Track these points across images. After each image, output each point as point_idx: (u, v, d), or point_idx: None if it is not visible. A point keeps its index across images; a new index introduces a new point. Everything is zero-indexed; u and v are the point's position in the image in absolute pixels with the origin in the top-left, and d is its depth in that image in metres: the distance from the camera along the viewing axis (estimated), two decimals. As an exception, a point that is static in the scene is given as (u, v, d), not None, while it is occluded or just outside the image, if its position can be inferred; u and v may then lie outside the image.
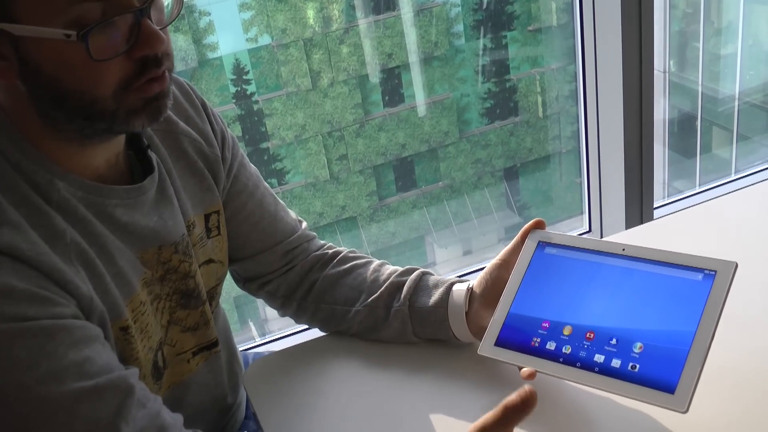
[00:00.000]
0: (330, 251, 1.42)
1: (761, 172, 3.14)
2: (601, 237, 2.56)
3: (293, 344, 1.43)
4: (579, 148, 2.57)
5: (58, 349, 0.94)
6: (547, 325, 1.11)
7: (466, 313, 1.24)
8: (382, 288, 1.32)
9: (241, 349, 1.58)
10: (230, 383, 1.37)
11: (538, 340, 1.10)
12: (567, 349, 1.08)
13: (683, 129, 4.23)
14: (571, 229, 2.74)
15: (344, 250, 1.43)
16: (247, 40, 3.38)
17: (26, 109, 1.00)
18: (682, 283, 1.06)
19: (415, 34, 3.61)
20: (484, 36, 3.78)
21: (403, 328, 1.31)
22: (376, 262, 1.39)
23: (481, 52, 3.82)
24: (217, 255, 1.29)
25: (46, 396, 0.93)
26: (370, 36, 3.53)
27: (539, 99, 3.86)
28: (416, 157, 3.91)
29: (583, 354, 1.06)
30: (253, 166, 1.38)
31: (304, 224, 1.44)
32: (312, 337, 1.43)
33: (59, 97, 0.97)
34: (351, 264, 1.39)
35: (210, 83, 3.37)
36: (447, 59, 3.73)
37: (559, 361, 1.07)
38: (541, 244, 1.19)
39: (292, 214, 1.44)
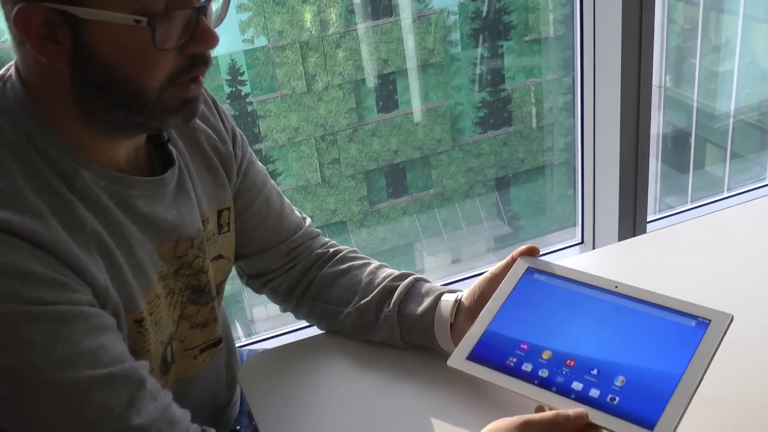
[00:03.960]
0: (331, 249, 1.44)
1: (754, 191, 3.15)
2: (593, 248, 2.56)
3: (287, 342, 1.43)
4: (574, 159, 2.57)
5: (74, 335, 0.95)
6: (525, 347, 1.11)
7: (451, 324, 1.25)
8: (375, 292, 1.34)
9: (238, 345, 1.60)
10: (228, 379, 1.39)
11: (514, 360, 1.10)
12: (544, 373, 1.08)
13: (677, 145, 4.24)
14: (562, 240, 2.74)
15: (345, 249, 1.45)
16: (243, 41, 3.36)
17: (62, 95, 1.01)
18: (674, 327, 1.07)
19: (412, 41, 3.60)
20: (481, 45, 3.78)
21: (392, 333, 1.32)
22: (374, 264, 1.41)
23: (477, 61, 3.81)
24: (226, 251, 1.31)
25: (60, 381, 0.94)
26: (366, 41, 3.52)
27: (533, 110, 3.86)
28: (408, 164, 3.90)
29: (560, 380, 1.06)
30: (260, 164, 1.40)
31: (308, 221, 1.47)
32: (307, 335, 1.43)
33: (107, 85, 0.99)
34: (349, 264, 1.40)
35: (205, 83, 3.34)
36: (442, 67, 3.72)
37: (533, 383, 1.07)
38: (530, 270, 1.19)
39: (297, 211, 1.46)
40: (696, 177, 4.23)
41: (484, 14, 3.72)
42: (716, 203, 3.08)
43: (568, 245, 2.65)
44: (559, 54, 3.66)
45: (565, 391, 1.05)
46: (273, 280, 1.44)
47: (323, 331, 1.44)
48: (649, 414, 0.98)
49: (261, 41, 3.37)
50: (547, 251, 2.59)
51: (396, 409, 1.25)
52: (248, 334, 3.05)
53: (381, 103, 3.72)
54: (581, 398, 1.03)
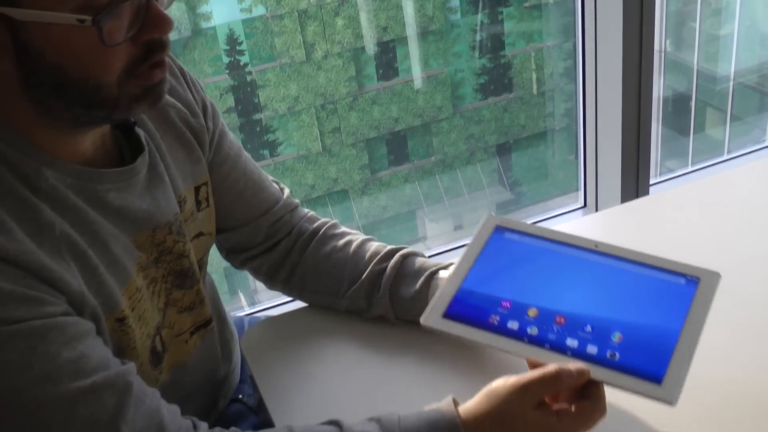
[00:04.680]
0: (311, 227, 1.39)
1: (754, 153, 3.15)
2: (596, 211, 2.56)
3: (289, 310, 1.43)
4: (576, 124, 2.57)
5: (51, 348, 0.91)
6: (508, 304, 1.06)
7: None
8: (363, 277, 1.31)
9: (237, 315, 1.58)
10: (223, 353, 1.36)
11: (498, 318, 1.05)
12: (533, 330, 1.03)
13: (677, 109, 4.24)
14: (565, 205, 2.74)
15: (324, 225, 1.39)
16: (241, 10, 3.35)
17: (15, 97, 0.95)
18: (664, 284, 1.04)
19: (411, 8, 3.59)
20: (480, 11, 3.77)
21: (386, 313, 1.31)
22: (356, 241, 1.35)
23: (476, 28, 3.80)
24: (206, 227, 1.28)
25: (41, 398, 0.90)
26: (365, 8, 3.51)
27: (534, 76, 3.85)
28: (409, 132, 3.90)
29: (552, 337, 1.02)
30: (232, 135, 1.34)
31: (286, 191, 1.40)
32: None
33: (61, 85, 0.93)
34: (330, 246, 1.36)
35: (203, 53, 3.35)
36: (442, 34, 3.71)
37: (523, 341, 1.02)
38: (500, 228, 1.14)
39: (273, 181, 1.41)
40: (696, 140, 4.23)
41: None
42: (717, 165, 3.08)
43: (571, 209, 2.65)
44: (559, 19, 3.64)
45: (559, 348, 1.00)
46: (254, 259, 1.40)
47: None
48: (653, 368, 0.96)
49: (259, 10, 3.36)
50: (549, 216, 2.60)
51: (401, 377, 1.25)
52: (252, 304, 3.05)
53: (381, 71, 3.71)
54: (578, 355, 0.99)
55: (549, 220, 2.53)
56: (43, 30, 0.89)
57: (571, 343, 1.00)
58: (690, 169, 3.11)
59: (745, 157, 3.14)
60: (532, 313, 1.04)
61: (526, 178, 4.21)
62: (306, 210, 1.43)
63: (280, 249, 1.38)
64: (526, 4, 3.78)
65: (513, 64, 3.87)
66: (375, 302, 1.30)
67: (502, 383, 0.99)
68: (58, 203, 0.98)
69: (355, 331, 1.34)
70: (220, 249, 1.43)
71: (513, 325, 1.04)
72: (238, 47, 3.43)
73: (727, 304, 1.09)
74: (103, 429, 0.93)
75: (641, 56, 2.25)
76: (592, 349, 0.99)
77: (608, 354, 0.99)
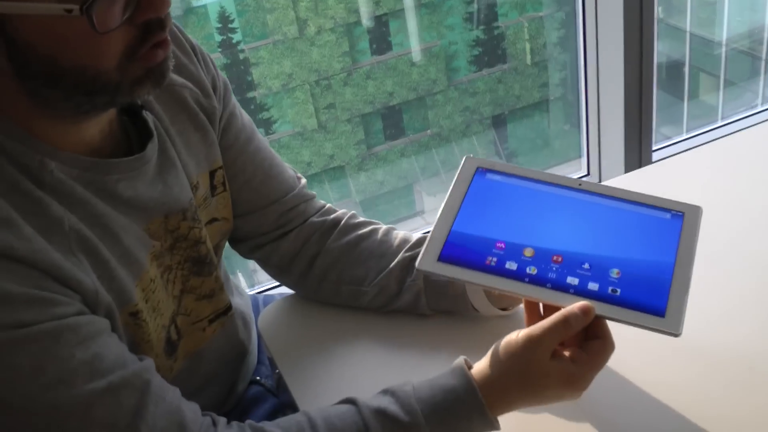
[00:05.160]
0: (330, 217, 1.33)
1: (746, 118, 3.15)
2: (600, 180, 2.56)
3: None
4: (577, 91, 2.56)
5: (63, 351, 0.88)
6: (502, 245, 1.03)
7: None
8: (393, 264, 1.26)
9: (250, 293, 1.55)
10: (243, 336, 1.33)
11: (494, 259, 1.02)
12: (532, 270, 1.01)
13: (671, 75, 4.23)
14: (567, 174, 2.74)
15: (344, 215, 1.34)
16: (232, -13, 3.33)
17: (10, 90, 0.91)
18: (650, 219, 1.03)
19: (404, -19, 3.57)
20: (473, -18, 3.76)
21: (416, 301, 1.26)
22: (381, 229, 1.31)
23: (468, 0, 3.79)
24: (221, 212, 1.23)
25: (55, 403, 0.88)
26: (358, -17, 3.49)
27: (527, 46, 3.84)
28: (404, 106, 3.89)
29: (552, 276, 1.00)
30: (246, 116, 1.29)
31: (303, 181, 1.35)
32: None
33: (56, 76, 0.89)
34: (355, 235, 1.30)
35: (195, 32, 3.33)
36: (435, 6, 3.69)
37: (524, 281, 1.01)
38: (481, 170, 1.10)
39: (291, 169, 1.34)
40: (690, 106, 4.23)
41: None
42: (714, 131, 3.08)
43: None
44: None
45: (561, 287, 0.99)
46: (261, 248, 1.33)
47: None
48: (654, 302, 0.96)
49: (250, -13, 3.35)
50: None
51: (418, 354, 1.24)
52: (251, 285, 3.04)
53: (375, 46, 3.69)
54: (581, 292, 0.98)
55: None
56: (32, 22, 0.84)
57: (572, 281, 0.99)
58: (685, 135, 3.11)
59: (738, 122, 3.15)
60: (528, 253, 1.03)
61: (523, 148, 4.21)
62: (322, 201, 1.37)
63: (293, 238, 1.31)
64: (518, -26, 3.77)
65: (506, 35, 3.86)
66: (407, 287, 1.25)
67: (513, 339, 0.98)
68: (65, 197, 0.95)
69: (370, 310, 1.33)
70: (228, 238, 1.38)
71: (511, 265, 1.02)
72: (230, 25, 3.41)
73: (737, 268, 1.10)
74: (123, 431, 0.90)
75: (642, 22, 2.25)
76: (593, 286, 0.99)
77: (609, 290, 0.98)
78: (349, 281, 1.29)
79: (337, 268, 1.29)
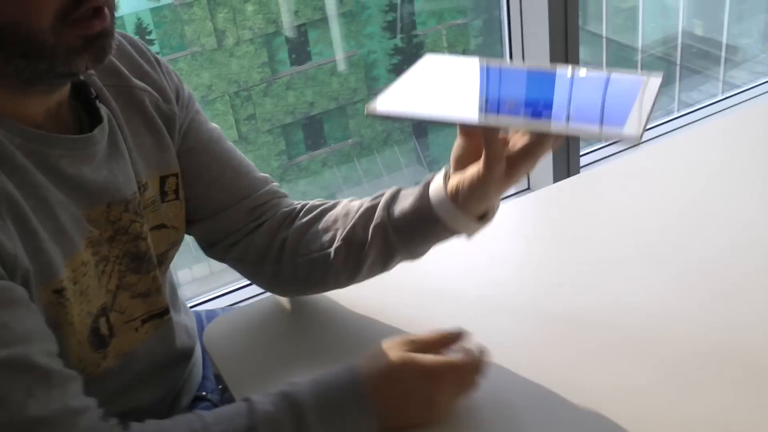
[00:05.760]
0: (299, 205, 1.30)
1: (665, 124, 3.22)
2: (528, 186, 2.58)
3: (250, 301, 1.39)
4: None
5: None
6: (456, 95, 0.99)
7: (451, 195, 1.10)
8: (356, 216, 1.20)
9: (193, 309, 1.52)
10: (178, 347, 1.30)
11: (447, 99, 0.98)
12: (487, 105, 0.97)
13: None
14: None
15: (314, 201, 1.31)
16: (148, -1, 3.29)
17: None
18: (610, 80, 1.01)
19: (322, -10, 3.57)
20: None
21: (385, 242, 1.18)
22: (346, 200, 1.30)
23: (387, 8, 3.79)
24: (172, 221, 1.21)
25: None
26: (275, -7, 3.47)
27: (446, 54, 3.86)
28: (325, 115, 3.87)
29: (507, 108, 0.96)
30: (214, 125, 1.27)
31: (275, 183, 1.34)
32: (268, 295, 1.39)
33: None
34: (319, 210, 1.26)
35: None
36: (354, 16, 3.69)
37: (487, 112, 0.96)
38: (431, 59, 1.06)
39: (262, 175, 1.32)
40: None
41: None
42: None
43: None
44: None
45: (517, 113, 0.94)
46: (236, 246, 1.29)
47: (311, 295, 1.35)
48: (615, 118, 0.92)
49: (167, -1, 3.30)
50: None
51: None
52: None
53: (294, 56, 3.67)
54: (537, 116, 0.93)
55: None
56: None
57: (526, 111, 0.94)
58: (605, 143, 3.16)
59: (657, 128, 3.22)
60: (511, 103, 0.98)
61: (445, 156, 4.18)
62: (295, 201, 1.35)
63: (265, 229, 1.27)
64: (436, -17, 3.79)
65: (425, 43, 3.88)
66: (372, 229, 1.17)
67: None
68: (4, 162, 0.94)
69: (317, 322, 1.30)
70: (201, 245, 1.34)
71: (466, 102, 0.97)
72: (147, 36, 3.35)
73: (666, 280, 1.11)
74: (11, 406, 0.87)
75: (567, 32, 2.27)
76: (547, 113, 0.94)
77: (566, 115, 0.93)
78: (319, 248, 1.24)
79: (307, 241, 1.24)
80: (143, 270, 1.15)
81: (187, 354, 1.31)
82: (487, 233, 1.26)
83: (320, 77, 3.73)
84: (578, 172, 2.52)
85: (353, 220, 1.20)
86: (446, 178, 1.11)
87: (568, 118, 0.93)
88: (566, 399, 1.07)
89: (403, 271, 1.23)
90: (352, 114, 3.87)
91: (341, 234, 1.22)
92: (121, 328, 1.15)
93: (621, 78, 1.01)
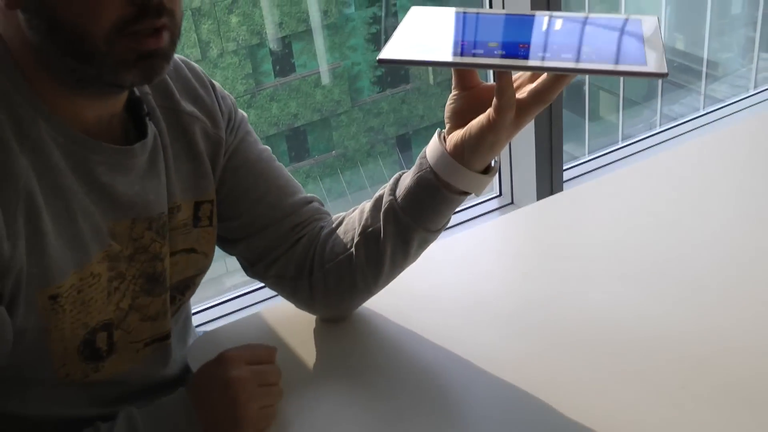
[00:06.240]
0: (337, 221, 1.31)
1: (647, 139, 3.24)
2: (512, 200, 2.58)
3: (234, 319, 1.38)
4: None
5: None
6: (463, 42, 1.00)
7: (451, 154, 1.07)
8: (368, 211, 1.20)
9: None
10: (170, 367, 1.29)
11: (460, 44, 1.00)
12: (499, 53, 0.98)
13: (571, 93, 4.32)
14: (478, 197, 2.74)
15: (344, 213, 1.33)
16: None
17: (24, 42, 0.92)
18: (610, 21, 1.01)
19: (306, 3, 3.56)
20: (374, 4, 3.77)
21: (398, 224, 1.16)
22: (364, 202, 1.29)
23: (371, 20, 3.80)
24: (203, 246, 1.18)
25: None
26: (259, 4, 3.47)
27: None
28: (309, 127, 3.87)
29: (522, 53, 0.97)
30: (264, 146, 1.27)
31: (319, 203, 1.32)
32: (255, 311, 1.39)
33: (54, 29, 0.91)
34: (342, 217, 1.27)
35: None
36: (338, 28, 3.70)
37: (496, 55, 0.97)
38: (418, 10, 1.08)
39: (308, 194, 1.33)
40: (592, 124, 4.32)
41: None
42: (617, 152, 3.15)
43: (485, 199, 2.65)
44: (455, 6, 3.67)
45: (527, 56, 0.96)
46: (277, 262, 1.28)
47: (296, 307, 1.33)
48: (633, 54, 0.93)
49: (151, 9, 3.29)
50: (463, 207, 2.60)
51: (356, 386, 1.22)
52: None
53: (278, 68, 3.67)
54: (558, 55, 0.95)
55: (463, 212, 2.53)
56: None
57: (540, 54, 0.96)
58: (592, 156, 3.17)
59: (641, 142, 3.24)
60: (492, 44, 0.98)
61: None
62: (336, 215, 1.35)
63: (304, 242, 1.27)
64: (420, -5, 3.80)
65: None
66: (383, 215, 1.17)
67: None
68: (40, 158, 0.94)
69: (300, 339, 1.30)
70: (244, 267, 1.32)
71: (478, 50, 0.98)
72: (130, 48, 3.35)
73: (649, 297, 1.11)
74: None
75: None
76: (566, 55, 0.95)
77: (587, 52, 0.94)
78: (342, 249, 1.22)
79: (330, 246, 1.23)
80: (156, 292, 1.13)
81: (180, 380, 1.29)
82: (472, 250, 1.26)
83: (304, 89, 3.73)
84: (561, 186, 2.53)
85: (366, 215, 1.18)
86: (442, 139, 1.15)
87: (585, 58, 0.92)
88: (550, 411, 1.07)
89: (389, 288, 1.23)
90: (335, 125, 3.87)
91: (358, 231, 1.20)
92: (125, 347, 1.13)
93: (619, 19, 1.01)
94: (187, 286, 1.18)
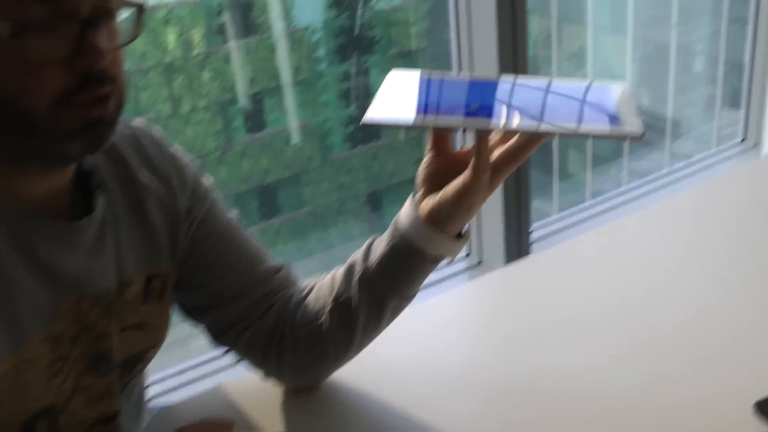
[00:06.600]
0: (307, 288, 1.25)
1: (616, 197, 3.27)
2: (479, 264, 2.58)
3: (192, 395, 1.35)
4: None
5: None
6: (444, 105, 0.99)
7: (424, 218, 1.07)
8: (341, 278, 1.17)
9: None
10: None
11: (437, 105, 0.98)
12: (473, 108, 0.97)
13: (539, 153, 4.34)
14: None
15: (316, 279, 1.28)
16: (104, 65, 3.27)
17: None
18: (586, 86, 1.00)
19: (278, 59, 3.58)
20: (346, 61, 3.79)
21: (372, 292, 1.14)
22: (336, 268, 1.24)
23: (343, 77, 3.81)
24: (154, 320, 1.16)
25: None
26: (232, 61, 3.48)
27: (401, 123, 3.89)
28: (280, 184, 3.86)
29: (500, 113, 0.96)
30: (232, 213, 1.24)
31: (289, 270, 1.28)
32: (217, 380, 1.36)
33: None
34: (313, 284, 1.24)
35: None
36: (309, 84, 3.71)
37: (477, 116, 0.96)
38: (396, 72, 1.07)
39: (277, 262, 1.28)
40: (560, 181, 4.34)
41: (347, 30, 3.73)
42: (586, 211, 3.17)
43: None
44: (423, 66, 3.70)
45: (507, 118, 0.93)
46: (246, 331, 1.24)
47: (264, 377, 1.30)
48: (608, 117, 0.93)
49: (123, 64, 3.29)
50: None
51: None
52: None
53: (249, 123, 3.68)
54: (532, 117, 0.94)
55: (434, 272, 2.53)
56: None
57: (520, 114, 0.94)
58: (557, 215, 3.20)
59: (609, 201, 3.27)
60: (473, 108, 0.98)
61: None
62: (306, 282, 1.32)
63: (274, 312, 1.23)
64: (391, 53, 3.82)
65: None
66: (355, 283, 1.14)
67: None
68: None
69: (267, 414, 1.27)
70: (211, 333, 1.27)
71: (456, 111, 0.98)
72: (101, 103, 3.34)
73: (616, 361, 1.12)
74: None
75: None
76: (547, 117, 0.94)
77: (566, 115, 0.95)
78: (314, 316, 1.19)
79: (301, 313, 1.21)
80: (101, 371, 1.08)
81: None
82: (442, 316, 1.26)
83: (275, 145, 3.73)
84: (529, 246, 2.54)
85: (338, 283, 1.17)
86: (415, 204, 1.08)
87: (564, 121, 0.92)
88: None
89: (357, 358, 1.22)
90: (306, 182, 3.87)
91: (330, 298, 1.18)
92: (70, 431, 1.09)
93: (598, 86, 1.02)
94: (138, 360, 1.15)
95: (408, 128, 0.95)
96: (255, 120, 3.68)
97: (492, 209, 2.48)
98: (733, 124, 3.94)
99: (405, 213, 1.10)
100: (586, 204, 3.25)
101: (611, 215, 3.11)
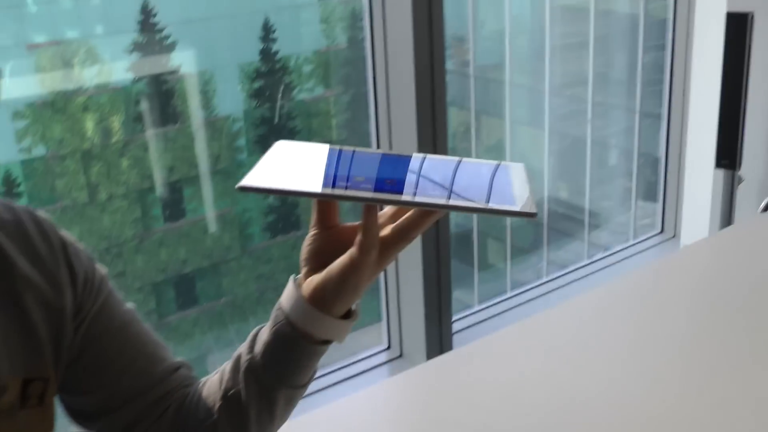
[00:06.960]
0: (201, 384, 1.22)
1: (533, 289, 3.30)
2: (401, 355, 2.56)
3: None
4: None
5: None
6: (330, 173, 0.96)
7: (308, 300, 1.02)
8: (228, 372, 1.13)
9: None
10: None
11: (323, 174, 0.95)
12: (359, 179, 0.94)
13: (460, 242, 4.37)
14: (367, 346, 2.72)
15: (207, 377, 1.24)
16: (19, 150, 3.21)
17: None
18: (479, 164, 1.00)
19: (198, 148, 3.56)
20: (266, 150, 3.78)
21: (259, 384, 1.08)
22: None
23: (263, 167, 3.80)
24: (33, 428, 1.07)
25: None
26: (151, 149, 3.45)
27: (322, 213, 3.88)
28: (198, 273, 3.81)
29: (390, 186, 0.93)
30: (129, 305, 1.19)
31: (188, 368, 1.25)
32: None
33: None
34: (204, 381, 1.20)
35: (-25, 196, 3.17)
36: (229, 173, 3.69)
37: (360, 189, 0.92)
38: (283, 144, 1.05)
39: (176, 359, 1.25)
40: (480, 272, 4.37)
41: (268, 120, 3.74)
42: (505, 302, 3.20)
43: (373, 352, 2.63)
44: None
45: (397, 191, 0.91)
46: (138, 425, 1.19)
47: None
48: (503, 198, 0.91)
49: (39, 150, 3.23)
50: (350, 361, 2.56)
51: None
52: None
53: (168, 212, 3.63)
54: (428, 194, 0.91)
55: (353, 365, 2.50)
56: None
57: (409, 189, 0.92)
58: (478, 307, 3.23)
59: (529, 292, 3.31)
60: (359, 178, 0.94)
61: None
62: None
63: (169, 414, 1.18)
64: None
65: (299, 201, 3.89)
66: (242, 376, 1.09)
67: None
68: None
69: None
70: None
71: (341, 181, 0.93)
72: (15, 190, 3.26)
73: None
74: None
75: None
76: (434, 191, 0.92)
77: (458, 190, 0.92)
78: (205, 416, 1.14)
79: (193, 413, 1.15)
80: None
81: None
82: (359, 417, 1.22)
83: (194, 234, 3.69)
84: (451, 338, 2.54)
85: (226, 377, 1.11)
86: (298, 286, 1.04)
87: (457, 196, 0.91)
88: None
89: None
90: (225, 272, 3.83)
91: (219, 395, 1.12)
92: None
93: (491, 164, 1.01)
94: None
95: (287, 195, 0.91)
96: (173, 208, 3.64)
97: (412, 300, 2.47)
98: (650, 215, 4.03)
99: (287, 295, 1.05)
100: (508, 295, 3.28)
101: (532, 306, 3.14)
